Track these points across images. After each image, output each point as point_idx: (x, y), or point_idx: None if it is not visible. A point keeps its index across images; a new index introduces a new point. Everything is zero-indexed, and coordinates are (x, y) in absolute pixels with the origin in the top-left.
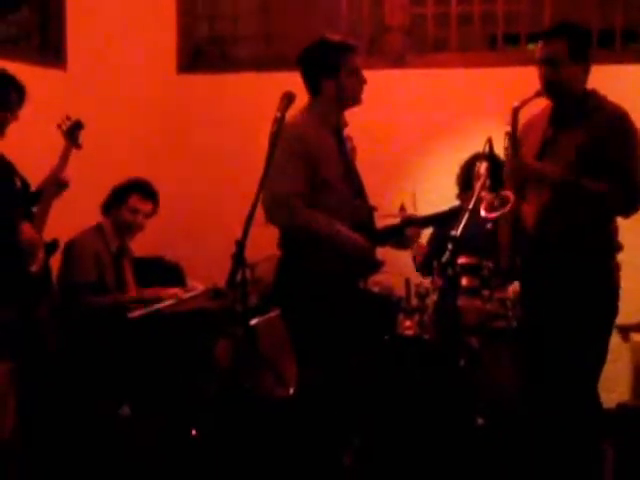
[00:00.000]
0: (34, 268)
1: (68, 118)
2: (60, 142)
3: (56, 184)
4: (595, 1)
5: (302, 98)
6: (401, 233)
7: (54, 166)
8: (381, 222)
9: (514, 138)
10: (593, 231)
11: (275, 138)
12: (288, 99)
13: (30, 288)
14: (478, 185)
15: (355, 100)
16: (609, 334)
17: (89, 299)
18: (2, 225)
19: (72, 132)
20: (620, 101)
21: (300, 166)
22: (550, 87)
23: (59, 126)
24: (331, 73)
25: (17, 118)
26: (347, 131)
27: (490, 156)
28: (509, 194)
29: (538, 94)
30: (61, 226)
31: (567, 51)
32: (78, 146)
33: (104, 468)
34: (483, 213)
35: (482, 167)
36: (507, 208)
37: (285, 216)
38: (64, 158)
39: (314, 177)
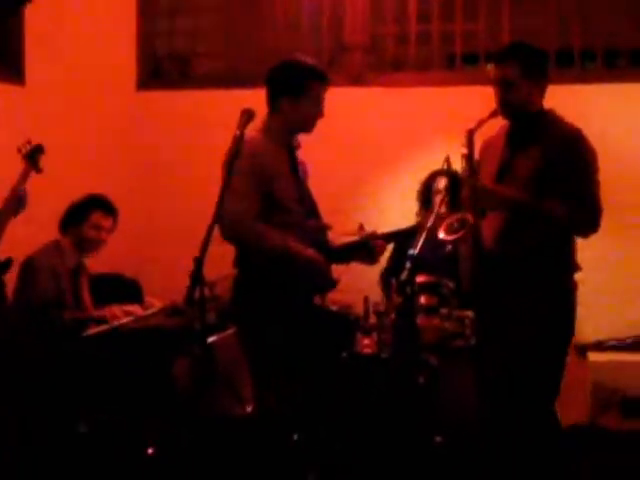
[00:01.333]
0: None
1: (28, 142)
2: (18, 157)
3: (15, 203)
4: (554, 21)
5: (262, 115)
6: (364, 248)
7: (11, 188)
8: (339, 240)
9: (470, 160)
10: (551, 251)
11: (233, 155)
12: (247, 116)
13: None
14: (437, 201)
15: (306, 128)
16: (565, 353)
17: (48, 316)
18: None
19: (32, 156)
20: (579, 121)
21: (254, 184)
22: (505, 107)
23: (19, 150)
24: (292, 94)
25: None
26: (300, 155)
27: (449, 173)
28: (468, 216)
29: (494, 114)
30: (18, 243)
31: (520, 72)
32: (38, 170)
33: None
34: (442, 235)
35: (441, 183)
36: (466, 230)
37: (239, 233)
38: (22, 181)
39: (268, 196)
